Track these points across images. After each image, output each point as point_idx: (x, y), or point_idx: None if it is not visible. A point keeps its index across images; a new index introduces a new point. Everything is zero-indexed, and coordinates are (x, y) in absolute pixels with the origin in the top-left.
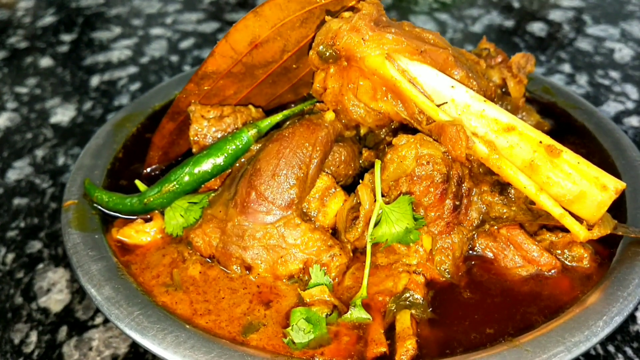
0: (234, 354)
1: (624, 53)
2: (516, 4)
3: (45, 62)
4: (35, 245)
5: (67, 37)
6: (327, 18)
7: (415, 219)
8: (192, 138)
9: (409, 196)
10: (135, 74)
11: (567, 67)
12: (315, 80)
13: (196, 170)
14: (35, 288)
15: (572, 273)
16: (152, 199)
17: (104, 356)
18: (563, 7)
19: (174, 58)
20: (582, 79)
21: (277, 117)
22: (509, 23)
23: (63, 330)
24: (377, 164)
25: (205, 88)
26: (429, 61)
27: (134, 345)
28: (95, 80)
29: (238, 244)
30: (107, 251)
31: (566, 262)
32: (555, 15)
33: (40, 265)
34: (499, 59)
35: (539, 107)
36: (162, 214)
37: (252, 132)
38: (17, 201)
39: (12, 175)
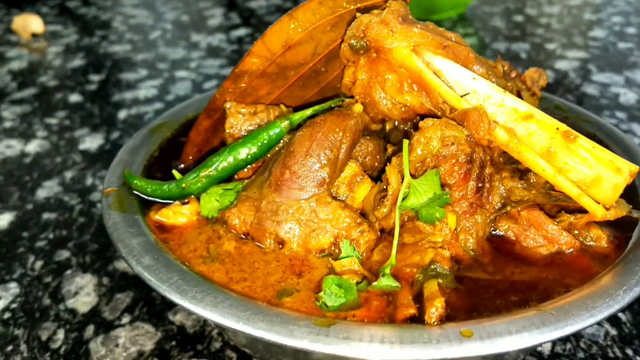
0: (269, 312)
1: (628, 97)
2: (523, 55)
3: (75, 98)
4: (64, 254)
5: (95, 78)
6: (358, 14)
7: (442, 191)
8: (227, 131)
9: (436, 169)
10: (161, 109)
11: None
12: (345, 75)
13: (232, 158)
14: (63, 291)
15: (590, 253)
16: (189, 184)
17: (130, 352)
18: (569, 58)
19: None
20: None
21: (308, 112)
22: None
23: (90, 329)
24: (405, 144)
25: (242, 86)
26: (451, 56)
27: (160, 342)
28: (122, 114)
29: (272, 219)
30: (146, 229)
31: (585, 242)
32: (561, 65)
33: (69, 272)
34: (513, 75)
35: None
36: (198, 199)
37: (285, 123)
38: (47, 216)
39: (41, 194)
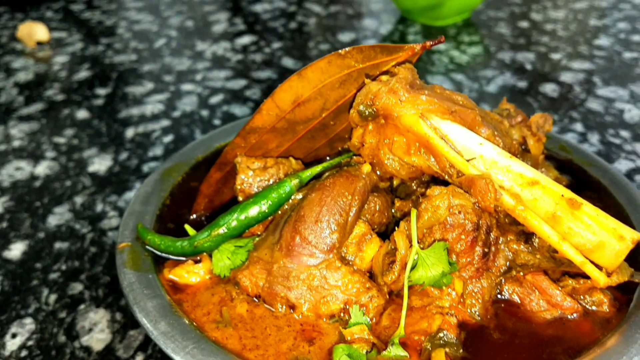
0: None
1: (633, 113)
2: (528, 66)
3: (82, 114)
4: (77, 287)
5: (102, 91)
6: (367, 81)
7: (450, 264)
8: (238, 187)
9: (444, 242)
10: (168, 127)
11: (579, 126)
12: (354, 136)
13: (243, 216)
14: (78, 327)
15: (592, 317)
16: (201, 242)
17: None
18: (573, 69)
19: (204, 112)
20: (594, 137)
21: (317, 169)
22: (522, 84)
23: None
24: (413, 213)
25: (252, 141)
26: (458, 120)
27: None
28: (130, 132)
29: (283, 284)
30: (160, 290)
31: (587, 307)
32: (566, 77)
33: (82, 306)
34: (519, 119)
35: (557, 163)
36: (210, 256)
37: (295, 182)
38: (58, 245)
39: (52, 221)
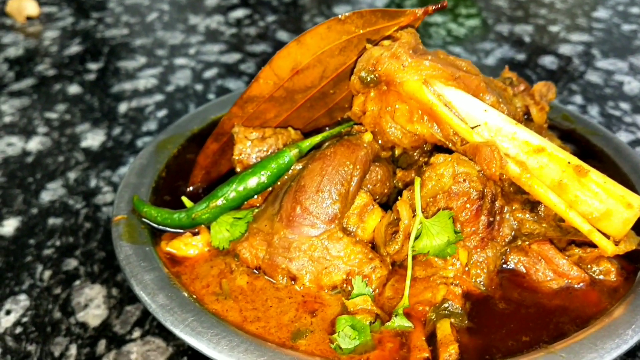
0: (286, 357)
1: (632, 86)
2: (527, 39)
3: (74, 89)
4: (72, 263)
5: (93, 66)
6: (368, 46)
7: (455, 233)
8: (235, 157)
9: (449, 211)
10: (162, 101)
11: (578, 99)
12: (355, 104)
13: (242, 188)
14: (73, 303)
15: (599, 286)
16: (199, 214)
17: None
18: (572, 41)
19: (199, 87)
20: (594, 110)
21: (317, 138)
22: (521, 56)
23: (102, 344)
24: (417, 181)
25: (249, 111)
26: (462, 87)
27: (172, 358)
28: (123, 107)
29: (284, 255)
30: (158, 262)
31: (594, 276)
32: (565, 49)
33: (77, 282)
34: (522, 87)
35: (560, 133)
36: (208, 228)
37: (294, 151)
38: (52, 221)
39: (45, 197)
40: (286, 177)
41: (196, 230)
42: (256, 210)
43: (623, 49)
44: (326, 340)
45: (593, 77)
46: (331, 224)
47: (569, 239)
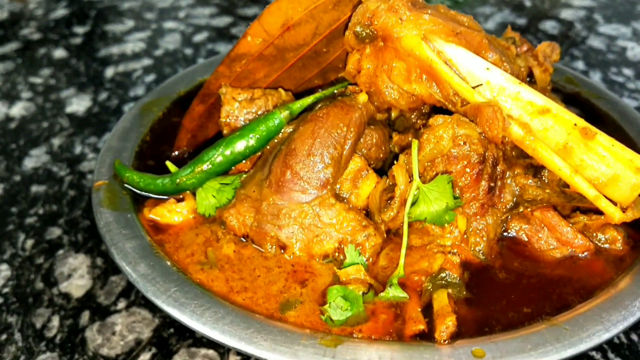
0: (273, 330)
1: (636, 51)
2: (528, 3)
3: (59, 53)
4: (55, 232)
5: (80, 30)
6: None
7: (454, 198)
8: (223, 120)
9: (447, 175)
10: (150, 66)
11: (580, 65)
12: (349, 62)
13: (229, 151)
14: (56, 274)
15: (605, 255)
16: (184, 179)
17: (127, 340)
18: (574, 6)
19: (188, 51)
20: (596, 75)
21: (309, 100)
22: (522, 21)
23: (85, 315)
24: (414, 144)
25: (237, 70)
26: (464, 43)
27: (157, 330)
28: (110, 72)
29: (273, 222)
30: (140, 230)
31: (599, 245)
32: (566, 14)
33: (60, 252)
34: (525, 48)
35: (563, 96)
36: (194, 194)
37: (285, 113)
38: (35, 188)
39: (29, 163)
40: (276, 140)
41: (181, 196)
42: (244, 175)
43: (626, 13)
44: (316, 311)
45: (595, 42)
46: (323, 190)
47: (573, 206)
